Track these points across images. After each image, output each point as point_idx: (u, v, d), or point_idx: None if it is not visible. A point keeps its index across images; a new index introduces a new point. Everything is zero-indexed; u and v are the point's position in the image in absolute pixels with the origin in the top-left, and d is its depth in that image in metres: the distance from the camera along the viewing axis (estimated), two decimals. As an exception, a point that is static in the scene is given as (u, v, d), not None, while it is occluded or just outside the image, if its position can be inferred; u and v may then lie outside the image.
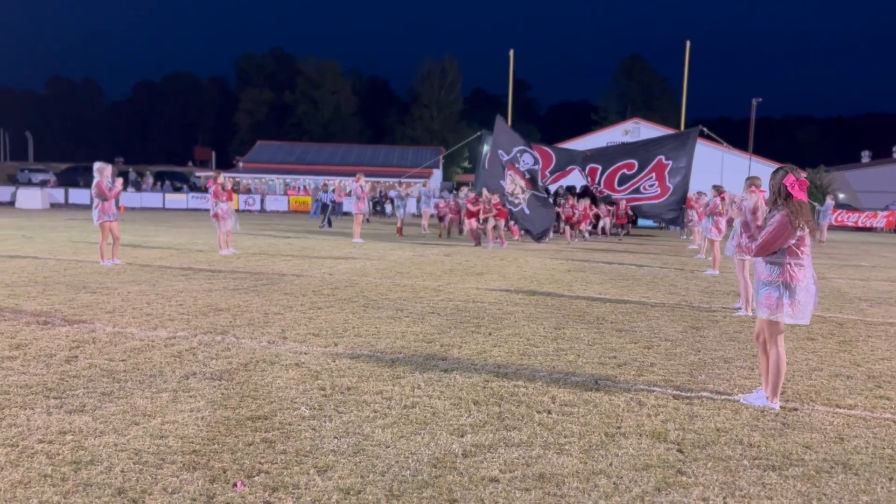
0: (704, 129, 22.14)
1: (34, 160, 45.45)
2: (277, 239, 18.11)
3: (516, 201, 18.52)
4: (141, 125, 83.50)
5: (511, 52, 27.40)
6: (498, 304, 8.48)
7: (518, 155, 19.34)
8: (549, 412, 4.37)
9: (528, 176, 19.11)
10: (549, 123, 75.81)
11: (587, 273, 12.22)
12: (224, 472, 3.33)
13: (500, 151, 18.92)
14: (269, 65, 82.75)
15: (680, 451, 3.83)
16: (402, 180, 34.56)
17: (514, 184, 18.86)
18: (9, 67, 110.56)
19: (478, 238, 17.63)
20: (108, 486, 3.14)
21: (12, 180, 38.56)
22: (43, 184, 38.71)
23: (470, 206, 17.96)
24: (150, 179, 42.78)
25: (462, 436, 3.91)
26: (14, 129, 47.53)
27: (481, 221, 17.63)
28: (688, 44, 26.14)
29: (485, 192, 17.86)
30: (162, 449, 3.60)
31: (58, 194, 37.18)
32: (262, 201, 40.31)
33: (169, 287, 9.04)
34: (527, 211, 18.71)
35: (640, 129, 36.06)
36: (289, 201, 40.56)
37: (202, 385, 4.75)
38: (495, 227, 17.66)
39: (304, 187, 44.93)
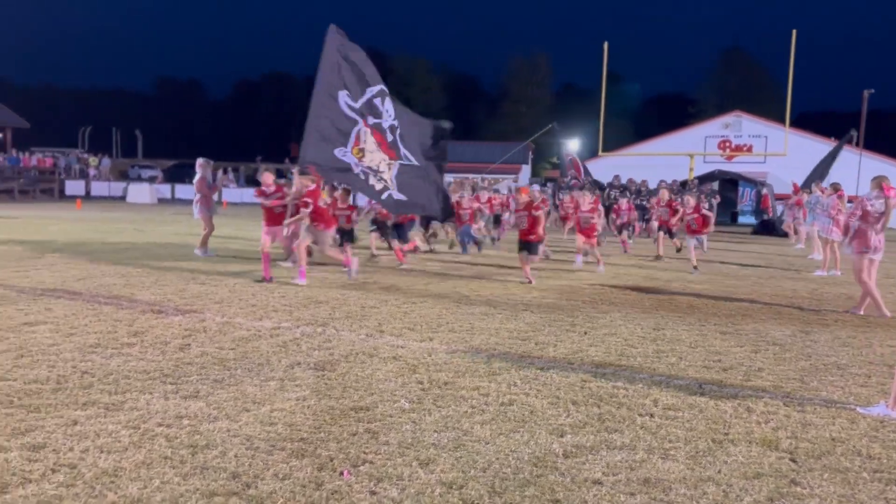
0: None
1: (143, 157, 48.15)
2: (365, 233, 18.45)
3: (379, 185, 9.72)
4: (240, 123, 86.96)
5: (605, 45, 26.83)
6: (592, 303, 8.34)
7: (376, 102, 10.01)
8: (652, 416, 4.26)
9: (390, 138, 10.22)
10: (643, 117, 73.84)
11: (686, 272, 11.84)
12: (331, 461, 3.42)
13: (344, 94, 9.52)
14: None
15: (793, 460, 3.65)
16: (484, 176, 34.56)
17: (373, 152, 9.81)
18: (121, 70, 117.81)
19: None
20: (223, 470, 3.29)
21: (123, 176, 40.98)
22: (151, 179, 41.00)
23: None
24: (231, 175, 44.14)
25: (562, 436, 3.87)
26: (125, 128, 50.55)
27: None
28: (794, 33, 24.85)
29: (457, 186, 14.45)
30: (272, 436, 3.74)
31: (165, 189, 39.27)
32: (354, 196, 41.14)
33: (273, 277, 9.37)
34: (397, 196, 9.82)
35: (741, 123, 34.61)
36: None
37: (306, 375, 4.91)
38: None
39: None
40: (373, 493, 3.11)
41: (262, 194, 9.93)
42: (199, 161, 12.28)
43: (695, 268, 11.77)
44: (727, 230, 26.23)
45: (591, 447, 3.72)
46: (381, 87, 9.99)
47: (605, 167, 30.02)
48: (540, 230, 10.23)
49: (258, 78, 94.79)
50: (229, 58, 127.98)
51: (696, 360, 5.68)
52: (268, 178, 10.09)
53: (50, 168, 37.35)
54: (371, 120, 9.59)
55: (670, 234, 14.90)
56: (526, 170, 47.84)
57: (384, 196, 9.68)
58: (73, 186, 35.91)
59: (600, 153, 30.28)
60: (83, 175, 38.37)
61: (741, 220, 32.75)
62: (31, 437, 3.61)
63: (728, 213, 32.47)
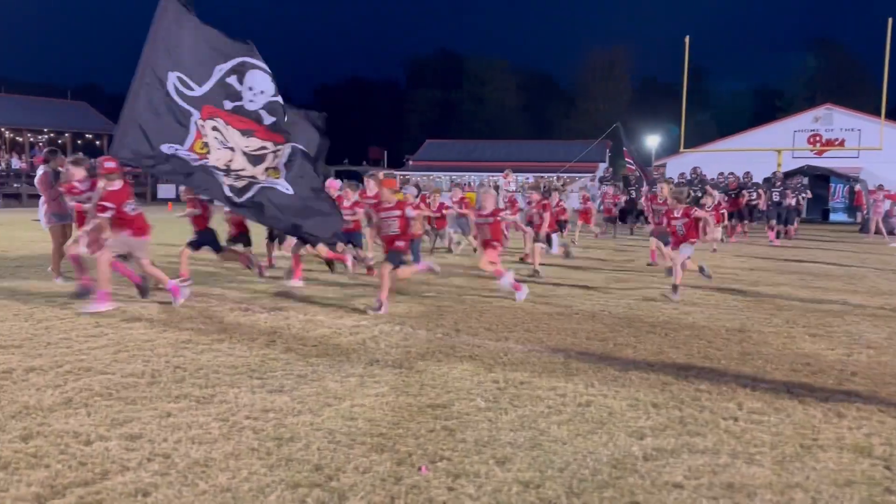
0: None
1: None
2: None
3: (239, 183, 7.55)
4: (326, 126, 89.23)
5: (686, 39, 26.11)
6: (674, 303, 8.14)
7: (230, 81, 7.65)
8: (737, 419, 4.13)
9: (268, 119, 7.87)
10: (727, 112, 71.36)
11: (773, 272, 11.40)
12: (409, 456, 3.49)
13: (174, 78, 7.33)
14: (437, 65, 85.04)
15: (888, 468, 3.48)
16: (559, 175, 34.15)
17: (225, 145, 7.55)
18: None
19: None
20: (306, 463, 3.40)
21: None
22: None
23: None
24: None
25: (642, 438, 3.81)
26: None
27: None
28: (889, 21, 23.48)
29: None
30: (353, 430, 3.84)
31: (250, 192, 40.77)
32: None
33: (350, 278, 9.59)
34: (282, 191, 7.72)
35: (832, 116, 32.99)
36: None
37: (385, 372, 5.01)
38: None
39: (469, 184, 45.79)
40: (450, 489, 3.15)
41: (71, 192, 8.03)
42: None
43: (674, 288, 8.47)
44: (818, 228, 25.07)
45: (673, 450, 3.65)
46: (240, 59, 7.59)
47: (687, 164, 29.18)
48: (409, 235, 8.07)
49: (337, 83, 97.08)
50: (310, 65, 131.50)
51: (784, 363, 5.47)
52: (78, 172, 8.04)
53: (141, 172, 39.30)
54: (228, 104, 7.52)
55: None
56: (603, 168, 47.06)
57: (247, 196, 7.44)
58: (165, 189, 37.72)
59: (681, 150, 29.51)
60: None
61: (833, 217, 31.22)
62: (128, 428, 3.83)
63: (819, 211, 31.03)
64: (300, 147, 7.93)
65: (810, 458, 3.58)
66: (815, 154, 32.11)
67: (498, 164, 49.02)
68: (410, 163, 53.81)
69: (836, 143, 32.31)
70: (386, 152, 56.20)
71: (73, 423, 3.89)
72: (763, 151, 27.40)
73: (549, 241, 11.62)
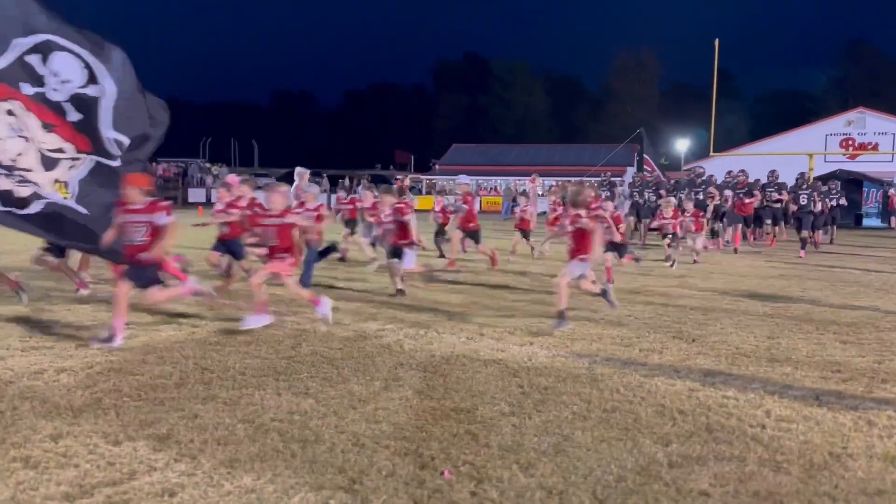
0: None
1: (259, 166, 50.61)
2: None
3: (22, 191, 6.31)
4: (350, 132, 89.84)
5: (716, 42, 25.83)
6: (702, 309, 8.05)
7: (30, 61, 6.10)
8: (764, 427, 4.07)
9: (74, 117, 6.37)
10: (758, 115, 70.38)
11: (804, 278, 11.21)
12: (432, 460, 3.49)
13: None
14: (464, 69, 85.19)
15: (922, 480, 3.40)
16: (584, 179, 33.90)
17: (19, 133, 6.21)
18: (239, 85, 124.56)
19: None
20: (331, 465, 3.42)
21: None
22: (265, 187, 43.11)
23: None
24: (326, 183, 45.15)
25: (667, 445, 3.77)
26: (243, 139, 53.36)
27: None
28: (927, 20, 22.99)
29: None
30: (377, 433, 3.86)
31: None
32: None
33: (375, 282, 9.64)
34: (75, 207, 6.55)
35: (865, 119, 32.39)
36: (481, 201, 41.49)
37: (409, 375, 5.03)
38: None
39: (496, 188, 45.70)
40: (473, 493, 3.15)
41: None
42: (298, 170, 12.85)
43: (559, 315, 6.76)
44: (851, 234, 24.61)
45: (699, 457, 3.60)
46: (45, 37, 6.14)
47: (717, 168, 28.82)
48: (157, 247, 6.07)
49: (365, 88, 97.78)
50: (339, 70, 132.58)
51: (813, 371, 5.38)
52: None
53: (174, 177, 40.02)
54: (28, 89, 6.14)
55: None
56: (631, 172, 46.69)
57: (26, 211, 6.30)
58: (195, 194, 38.31)
59: (711, 153, 29.18)
60: (204, 183, 40.78)
61: (866, 222, 30.63)
62: (156, 429, 3.89)
63: (852, 216, 30.46)
64: (107, 163, 6.57)
65: (839, 466, 3.52)
66: (847, 158, 31.54)
67: (524, 167, 48.90)
68: (437, 167, 53.91)
69: (870, 146, 31.71)
70: (413, 157, 56.40)
71: (102, 423, 3.96)
72: (794, 155, 26.97)
73: (619, 251, 10.06)
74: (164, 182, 38.05)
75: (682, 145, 49.31)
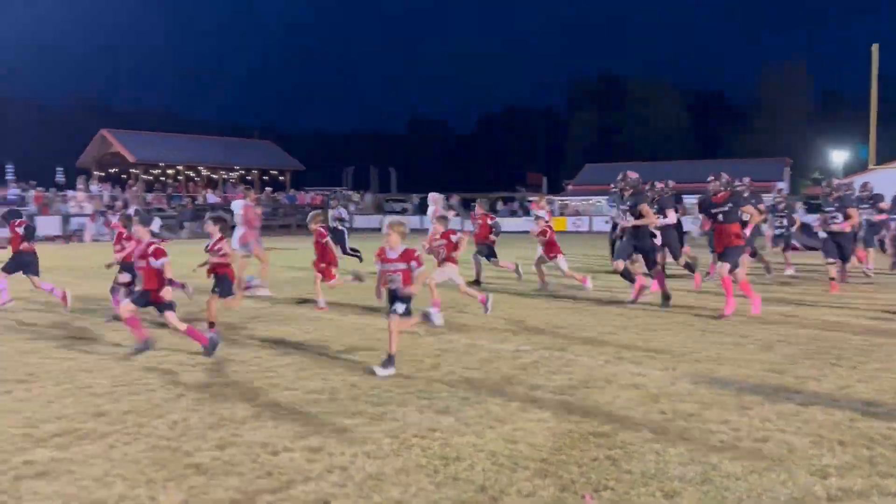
0: None
1: (397, 192, 52.40)
2: (604, 259, 18.23)
3: None
4: (483, 156, 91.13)
5: (875, 48, 23.91)
6: (864, 335, 7.44)
7: None
8: (939, 463, 3.72)
9: None
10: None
11: None
12: (573, 483, 3.49)
13: None
14: (598, 89, 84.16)
15: None
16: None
17: None
18: (378, 115, 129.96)
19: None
20: (471, 483, 3.51)
21: (379, 209, 45.10)
22: (403, 212, 44.53)
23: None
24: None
25: (825, 478, 3.54)
26: (381, 167, 55.45)
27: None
28: None
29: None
30: (515, 453, 3.90)
31: (415, 220, 42.47)
32: (591, 222, 41.00)
33: (508, 303, 9.70)
34: None
35: None
36: (618, 222, 40.57)
37: (546, 397, 5.03)
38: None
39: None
40: (614, 518, 3.12)
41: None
42: (431, 195, 13.21)
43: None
44: None
45: (860, 492, 3.35)
46: None
47: (880, 181, 26.57)
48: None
49: (499, 111, 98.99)
50: (473, 96, 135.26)
51: None
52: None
53: (321, 204, 42.31)
54: None
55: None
56: (781, 188, 43.88)
57: None
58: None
59: (871, 166, 26.88)
60: (348, 210, 42.90)
61: None
62: (310, 441, 4.15)
63: None
64: None
65: None
66: None
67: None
68: (570, 187, 53.41)
69: None
70: (546, 178, 56.23)
71: (262, 434, 4.29)
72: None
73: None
74: (311, 209, 40.43)
75: (838, 158, 45.84)
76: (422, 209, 45.88)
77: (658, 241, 10.43)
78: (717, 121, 75.02)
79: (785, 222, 13.98)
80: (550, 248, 11.11)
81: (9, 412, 4.75)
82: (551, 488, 3.43)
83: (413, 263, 6.03)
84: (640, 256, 9.96)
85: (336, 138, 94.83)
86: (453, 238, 8.81)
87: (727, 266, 8.65)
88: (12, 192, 30.76)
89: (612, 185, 10.27)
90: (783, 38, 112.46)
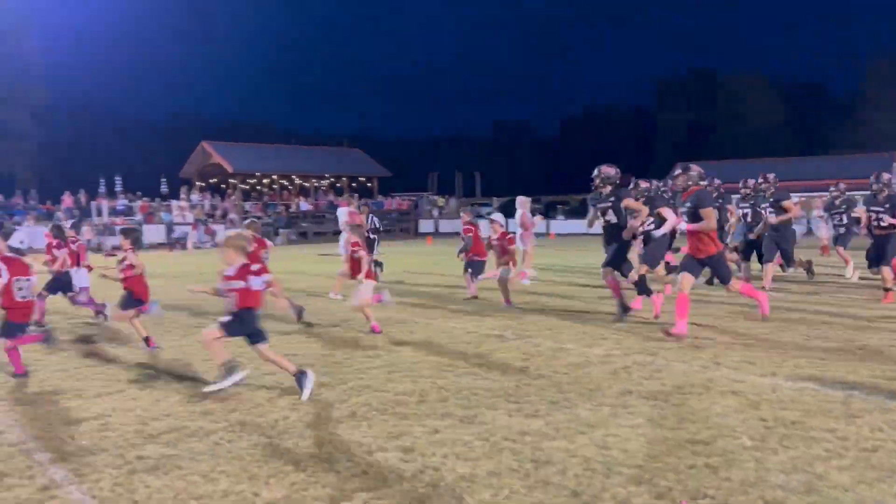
0: None
1: (481, 195, 52.50)
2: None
3: None
4: (568, 157, 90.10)
5: None
6: None
7: None
8: None
9: None
10: None
11: None
12: (669, 491, 3.41)
13: None
14: (689, 86, 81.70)
15: None
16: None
17: None
18: (462, 119, 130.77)
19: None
20: (563, 487, 3.49)
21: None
22: (486, 215, 44.72)
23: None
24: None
25: (945, 492, 3.32)
26: (466, 171, 55.70)
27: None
28: None
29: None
30: (608, 459, 3.85)
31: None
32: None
33: (601, 306, 9.55)
34: None
35: None
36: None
37: (639, 403, 4.94)
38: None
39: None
40: (713, 527, 3.03)
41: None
42: (519, 199, 13.17)
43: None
44: None
45: None
46: None
47: None
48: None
49: (582, 111, 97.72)
50: (556, 98, 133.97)
51: None
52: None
53: (407, 209, 42.98)
54: None
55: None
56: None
57: None
58: (425, 225, 40.82)
59: None
60: (432, 215, 43.34)
61: None
62: (402, 441, 4.24)
63: None
64: None
65: None
66: None
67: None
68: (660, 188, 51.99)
69: None
70: (633, 178, 55.07)
71: (357, 434, 4.40)
72: None
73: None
74: (399, 215, 41.03)
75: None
76: (505, 212, 45.77)
77: (640, 246, 9.25)
78: (816, 115, 71.39)
79: (844, 219, 12.43)
80: None
81: (123, 410, 5.07)
82: (646, 495, 3.37)
83: (252, 279, 5.40)
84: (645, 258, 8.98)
85: (422, 144, 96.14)
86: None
87: (688, 277, 7.45)
88: (121, 202, 32.77)
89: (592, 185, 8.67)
90: (887, 25, 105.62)
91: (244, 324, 5.45)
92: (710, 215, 7.41)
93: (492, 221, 10.58)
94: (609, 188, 8.44)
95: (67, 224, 10.33)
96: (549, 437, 4.26)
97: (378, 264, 12.98)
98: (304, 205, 39.83)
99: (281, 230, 34.26)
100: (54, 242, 9.03)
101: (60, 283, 8.95)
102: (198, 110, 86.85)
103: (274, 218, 36.41)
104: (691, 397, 5.06)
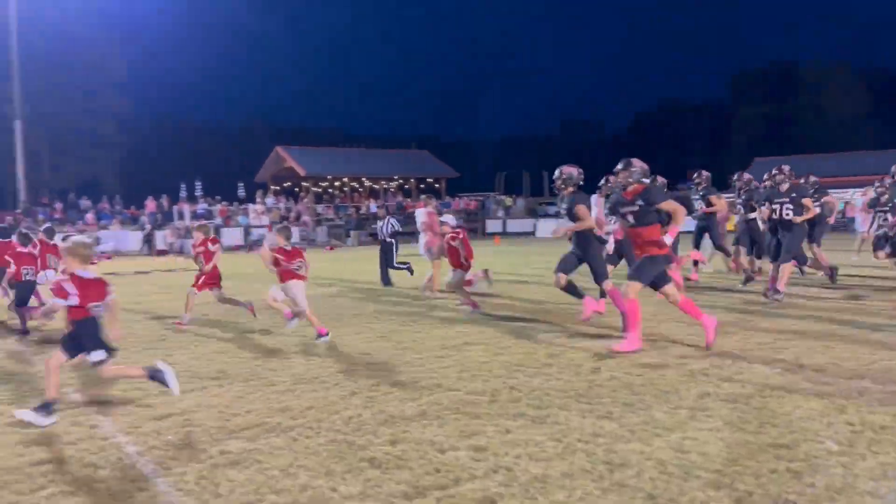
0: None
1: (549, 195, 52.02)
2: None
3: None
4: (639, 154, 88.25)
5: None
6: None
7: None
8: None
9: None
10: None
11: None
12: (750, 496, 3.31)
13: None
14: (768, 77, 78.79)
15: None
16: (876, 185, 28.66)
17: None
18: (529, 118, 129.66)
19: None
20: (639, 490, 3.43)
21: (531, 214, 44.94)
22: (556, 215, 44.17)
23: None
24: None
25: None
26: (534, 170, 55.28)
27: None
28: None
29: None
30: (685, 463, 3.77)
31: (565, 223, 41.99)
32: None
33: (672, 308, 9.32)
34: None
35: None
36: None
37: (717, 406, 4.81)
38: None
39: (809, 203, 41.16)
40: (798, 535, 2.93)
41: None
42: (594, 197, 13.01)
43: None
44: None
45: None
46: None
47: None
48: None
49: (654, 109, 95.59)
50: (626, 93, 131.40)
51: None
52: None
53: (475, 209, 43.02)
54: None
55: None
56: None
57: None
58: (492, 225, 40.78)
59: None
60: (499, 215, 43.26)
61: None
62: (474, 440, 4.26)
63: None
64: None
65: None
66: None
67: (840, 179, 43.46)
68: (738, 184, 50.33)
69: None
70: (709, 174, 53.50)
71: (429, 432, 4.45)
72: None
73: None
74: (466, 215, 41.18)
75: None
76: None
77: (610, 249, 8.85)
78: (905, 104, 67.66)
79: (889, 219, 11.20)
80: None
81: (206, 407, 5.27)
82: (726, 500, 3.28)
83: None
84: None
85: (489, 144, 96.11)
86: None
87: (634, 285, 6.74)
88: (201, 206, 34.04)
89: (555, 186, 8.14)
90: None
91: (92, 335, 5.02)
92: (674, 208, 6.86)
93: (442, 223, 10.43)
94: (571, 189, 7.96)
95: (39, 229, 10.64)
96: (624, 439, 4.19)
97: (406, 266, 13.13)
98: (374, 206, 40.43)
99: (352, 231, 34.87)
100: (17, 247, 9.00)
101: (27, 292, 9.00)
102: (269, 117, 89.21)
103: (345, 220, 37.11)
104: (772, 400, 4.90)
